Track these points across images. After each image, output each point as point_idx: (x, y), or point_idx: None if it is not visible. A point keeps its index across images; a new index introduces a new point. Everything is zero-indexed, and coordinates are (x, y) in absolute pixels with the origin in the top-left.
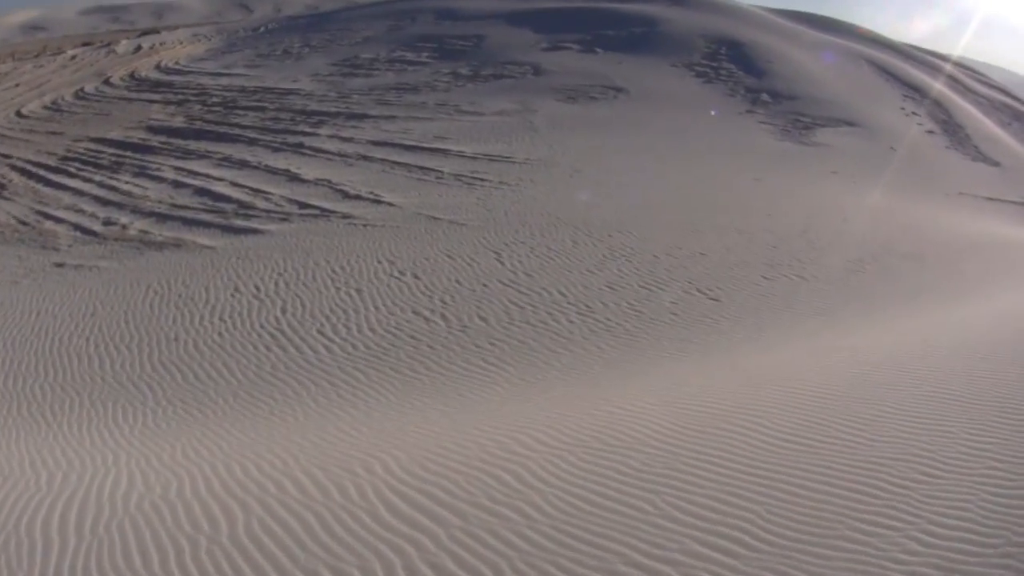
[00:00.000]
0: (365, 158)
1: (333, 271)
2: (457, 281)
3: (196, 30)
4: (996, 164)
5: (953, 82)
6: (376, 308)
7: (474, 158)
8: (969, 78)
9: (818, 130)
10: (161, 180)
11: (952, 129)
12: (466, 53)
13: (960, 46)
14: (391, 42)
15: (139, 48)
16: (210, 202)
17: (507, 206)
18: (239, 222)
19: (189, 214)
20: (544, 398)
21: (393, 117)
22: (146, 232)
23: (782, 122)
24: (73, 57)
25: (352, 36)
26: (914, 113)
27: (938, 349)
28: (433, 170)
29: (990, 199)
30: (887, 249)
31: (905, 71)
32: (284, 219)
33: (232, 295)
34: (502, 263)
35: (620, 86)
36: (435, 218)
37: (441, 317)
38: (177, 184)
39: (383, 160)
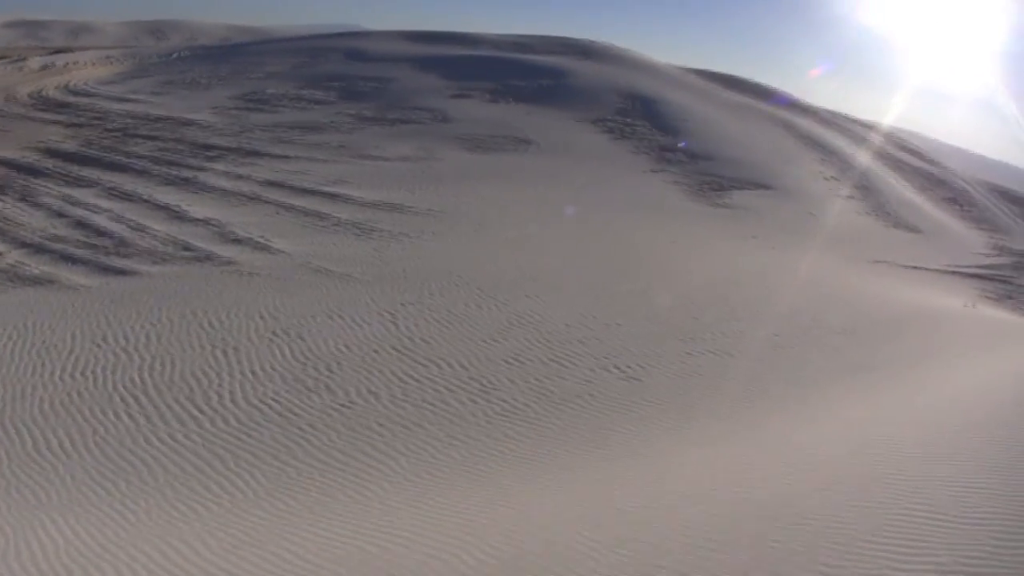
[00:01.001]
0: (257, 198)
1: (209, 325)
2: (345, 346)
3: (109, 52)
4: (916, 231)
5: (872, 147)
6: (251, 373)
7: (373, 205)
8: (890, 144)
9: (733, 192)
10: (44, 207)
11: (871, 195)
12: (372, 95)
13: (889, 116)
14: (298, 79)
15: (48, 66)
16: (91, 236)
17: (405, 260)
18: (117, 261)
19: (67, 247)
20: (438, 503)
21: (291, 157)
22: (20, 264)
23: (694, 182)
24: None
25: (259, 70)
26: (833, 178)
27: (902, 447)
28: (328, 216)
29: (913, 267)
30: (815, 322)
31: (824, 136)
32: (165, 260)
33: (97, 345)
34: (396, 326)
35: (528, 138)
36: (325, 270)
37: (325, 388)
38: (59, 213)
39: (276, 202)
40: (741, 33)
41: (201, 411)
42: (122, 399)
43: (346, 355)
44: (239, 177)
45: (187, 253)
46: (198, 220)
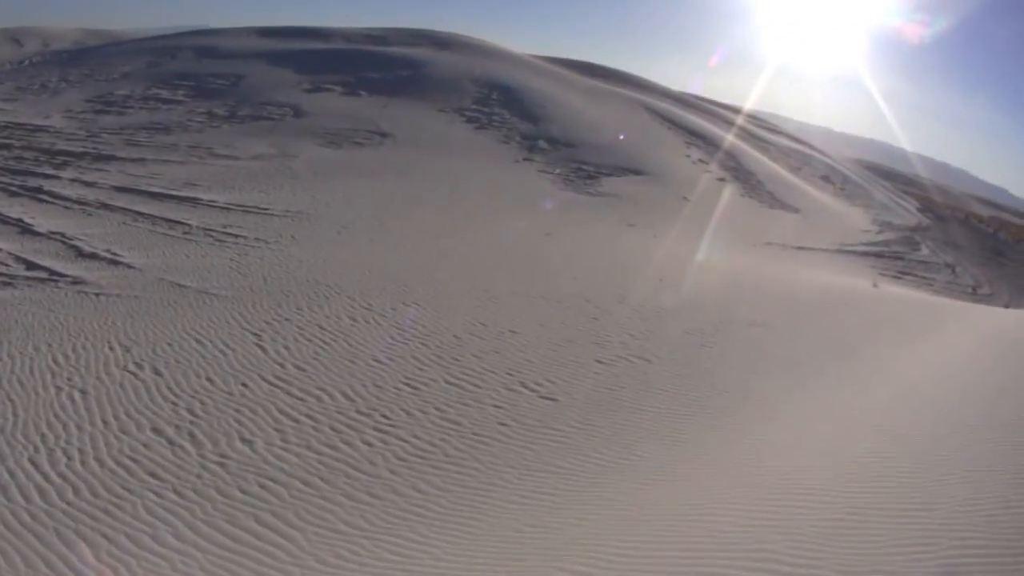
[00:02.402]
0: (106, 206)
1: (55, 361)
2: (209, 379)
3: None
4: (796, 210)
5: (738, 129)
6: (105, 422)
7: (227, 208)
8: (754, 125)
9: (603, 179)
10: None
11: (743, 176)
12: (223, 92)
13: (751, 99)
14: (148, 79)
15: None
16: None
17: (266, 270)
18: None
19: None
20: None
21: (142, 160)
22: None
23: (563, 170)
24: None
25: (110, 71)
26: (701, 160)
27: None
28: (180, 223)
29: (801, 248)
30: (725, 315)
31: (686, 119)
32: (7, 284)
33: None
34: (264, 350)
35: (386, 131)
36: (181, 285)
37: (189, 438)
38: None
39: (125, 209)
40: (602, 26)
41: (48, 480)
42: None
43: (212, 391)
44: (88, 184)
45: (32, 273)
46: (44, 235)
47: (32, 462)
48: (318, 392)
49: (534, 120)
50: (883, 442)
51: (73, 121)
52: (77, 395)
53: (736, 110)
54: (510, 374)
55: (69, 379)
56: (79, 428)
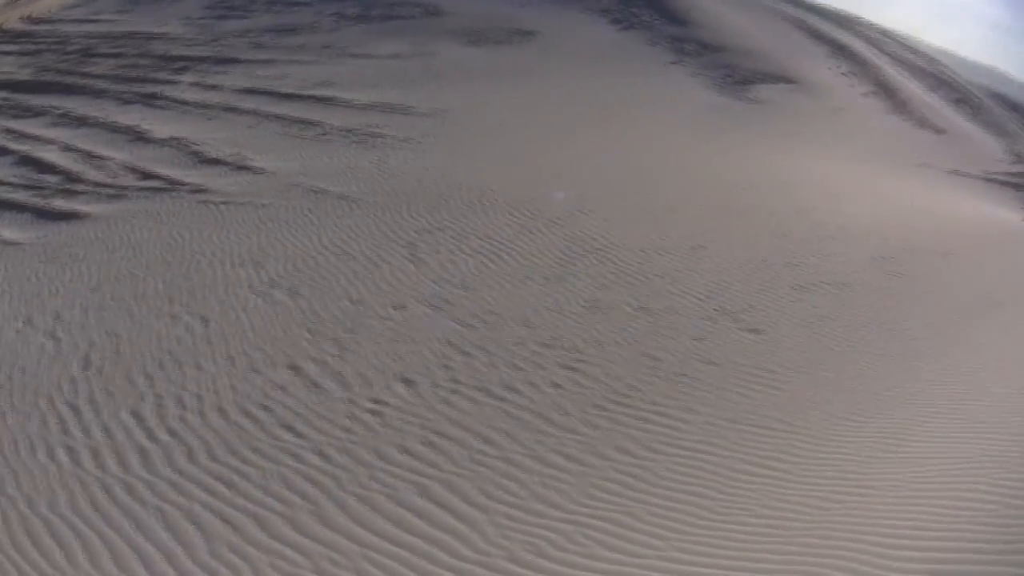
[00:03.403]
0: (231, 109)
1: (168, 283)
2: (356, 300)
3: None
4: (941, 131)
5: (872, 45)
6: (231, 359)
7: (366, 108)
8: (891, 42)
9: (756, 85)
10: None
11: (888, 93)
12: None
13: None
14: None
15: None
16: (32, 174)
17: (416, 172)
18: (59, 202)
19: (3, 192)
20: None
21: (270, 61)
22: None
23: (715, 74)
24: None
25: None
26: (849, 73)
27: None
28: (315, 123)
29: (954, 172)
30: (911, 243)
31: (826, 30)
32: (117, 196)
33: (17, 332)
34: (420, 265)
35: (529, 29)
36: (318, 190)
37: (335, 378)
38: (2, 151)
39: (253, 111)
40: None
41: (153, 437)
42: (44, 425)
43: (360, 317)
44: (210, 87)
45: (146, 183)
46: (160, 141)
47: (135, 414)
48: (489, 316)
49: (680, 23)
50: None
51: (192, 27)
52: (197, 324)
53: (867, 24)
54: (706, 298)
55: (187, 305)
56: (197, 367)
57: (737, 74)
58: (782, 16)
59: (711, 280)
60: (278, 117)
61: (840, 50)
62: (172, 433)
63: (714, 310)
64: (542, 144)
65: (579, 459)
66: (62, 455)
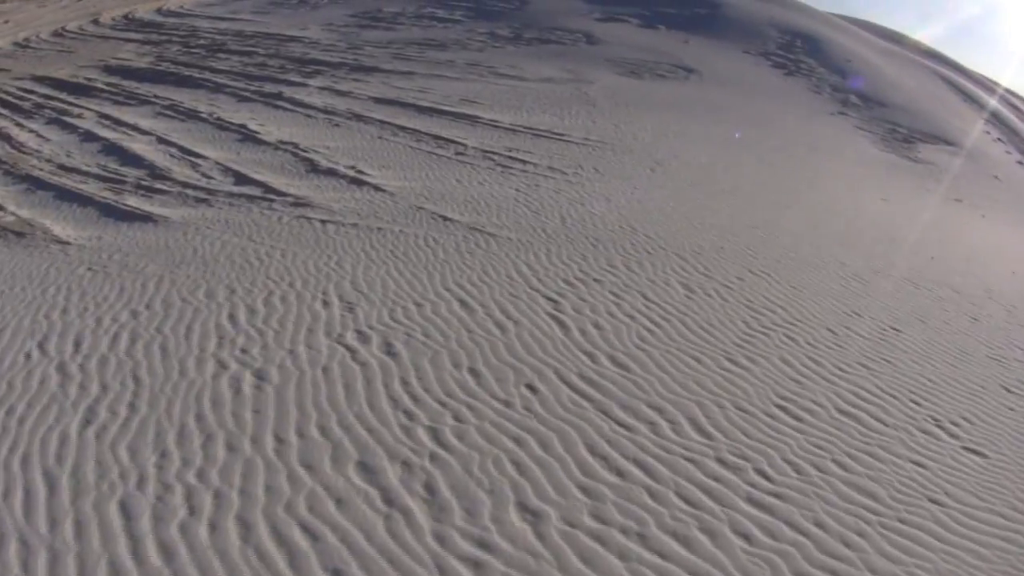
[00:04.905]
0: (359, 118)
1: (231, 318)
2: (472, 370)
3: None
4: None
5: (1015, 110)
6: (282, 442)
7: (512, 130)
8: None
9: (919, 144)
10: (73, 130)
11: None
12: (506, 15)
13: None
14: None
15: None
16: (114, 165)
17: (563, 207)
18: (132, 200)
19: (74, 181)
20: None
21: (411, 73)
22: None
23: (879, 130)
24: None
25: None
26: (1000, 140)
27: None
28: (453, 142)
29: None
30: None
31: (976, 93)
32: (201, 200)
33: (26, 357)
34: (565, 326)
35: (691, 66)
36: (446, 218)
37: (425, 495)
38: (88, 136)
39: (383, 123)
40: None
41: (140, 559)
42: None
43: (472, 396)
44: (341, 93)
45: (240, 188)
46: (270, 144)
47: (124, 511)
48: (651, 411)
49: (842, 73)
50: None
51: (333, 34)
52: (247, 381)
53: (1007, 88)
54: (913, 402)
55: (241, 351)
56: (230, 448)
57: (899, 132)
58: (934, 74)
59: (916, 377)
60: (411, 131)
61: (993, 115)
62: (167, 553)
63: (927, 420)
64: (711, 188)
65: None
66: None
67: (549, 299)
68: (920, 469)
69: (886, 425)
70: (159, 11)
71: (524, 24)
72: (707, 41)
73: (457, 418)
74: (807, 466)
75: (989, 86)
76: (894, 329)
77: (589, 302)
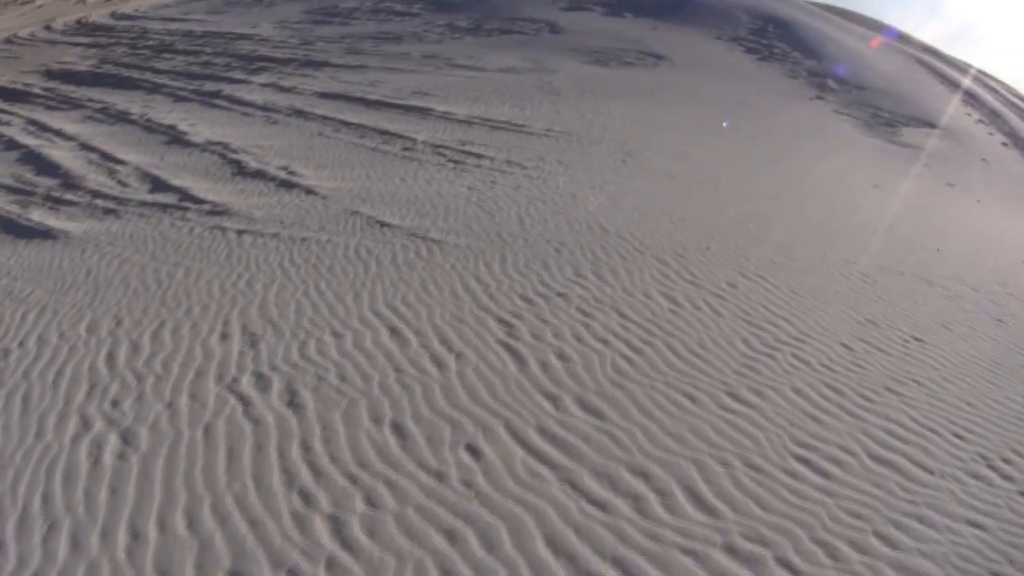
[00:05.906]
0: (300, 114)
1: (110, 357)
2: (393, 424)
3: None
4: None
5: (993, 92)
6: (135, 533)
7: (467, 122)
8: (1001, 88)
9: (902, 128)
10: None
11: (1020, 143)
12: (466, 6)
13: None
14: None
15: None
16: (28, 175)
17: (522, 206)
18: (36, 214)
19: None
20: None
21: (362, 67)
22: None
23: (861, 114)
24: (40, 5)
25: None
26: (982, 122)
27: None
28: (400, 136)
29: None
30: None
31: (955, 76)
32: (109, 211)
33: None
34: (520, 359)
35: (659, 53)
36: (384, 223)
37: None
38: (10, 144)
39: (326, 118)
40: None
41: None
42: None
43: (393, 464)
44: (284, 89)
45: (154, 197)
46: (198, 145)
47: None
48: (634, 482)
49: (818, 57)
50: None
51: (285, 30)
52: (110, 448)
53: (982, 71)
54: (959, 436)
55: (112, 405)
56: (74, 543)
57: (882, 116)
58: (914, 59)
59: (951, 401)
60: (355, 126)
61: (972, 96)
62: None
63: (976, 460)
64: (689, 179)
65: None
66: None
67: (502, 322)
68: (979, 532)
69: (930, 473)
70: (112, 15)
71: (484, 15)
72: (676, 28)
73: (369, 501)
74: (844, 546)
75: (963, 68)
76: (916, 339)
77: (551, 324)
